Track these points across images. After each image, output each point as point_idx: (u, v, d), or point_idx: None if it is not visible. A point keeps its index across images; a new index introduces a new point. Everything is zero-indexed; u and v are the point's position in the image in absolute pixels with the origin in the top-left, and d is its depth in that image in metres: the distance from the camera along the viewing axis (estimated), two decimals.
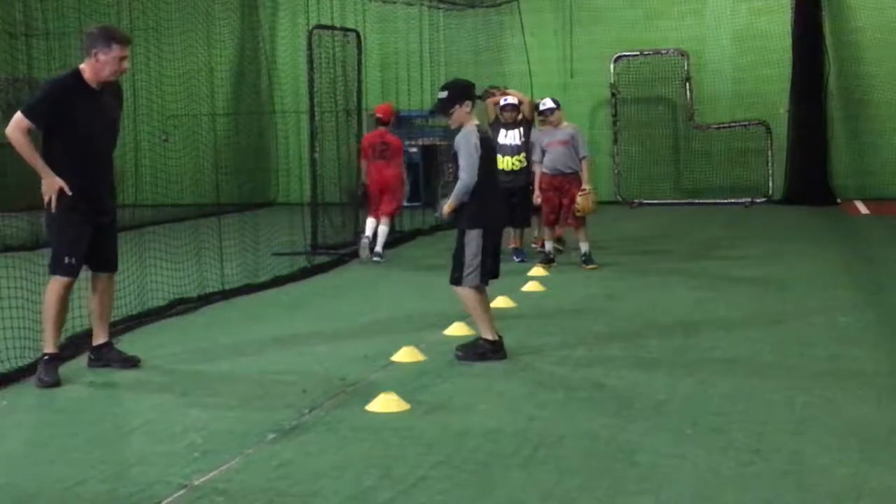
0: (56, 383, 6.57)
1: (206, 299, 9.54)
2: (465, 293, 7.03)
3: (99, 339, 7.09)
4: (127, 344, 7.83)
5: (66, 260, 6.62)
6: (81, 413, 6.05)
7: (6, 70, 16.33)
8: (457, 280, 7.01)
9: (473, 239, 6.95)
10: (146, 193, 18.40)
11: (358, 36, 14.37)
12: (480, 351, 7.02)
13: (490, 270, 7.12)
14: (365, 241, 12.18)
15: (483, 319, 7.05)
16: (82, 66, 6.70)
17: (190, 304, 9.32)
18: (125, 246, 10.73)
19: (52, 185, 6.56)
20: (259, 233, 13.09)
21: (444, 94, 7.12)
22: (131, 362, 7.06)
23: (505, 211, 7.28)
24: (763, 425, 5.46)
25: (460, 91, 7.12)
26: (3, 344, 7.08)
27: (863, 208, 16.94)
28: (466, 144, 6.96)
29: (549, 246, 11.48)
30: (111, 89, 6.89)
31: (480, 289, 7.07)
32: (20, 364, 6.91)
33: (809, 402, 5.87)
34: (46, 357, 6.68)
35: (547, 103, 11.44)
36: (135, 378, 6.81)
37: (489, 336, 7.03)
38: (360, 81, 14.31)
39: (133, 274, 9.68)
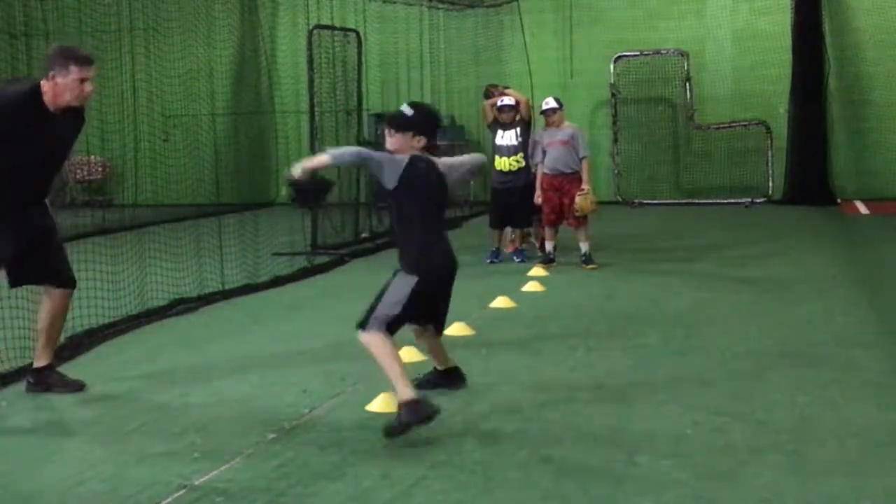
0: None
1: (206, 299, 9.54)
2: (372, 341, 5.52)
3: (42, 360, 6.42)
4: (127, 344, 7.86)
5: None
6: (80, 413, 6.04)
7: (6, 70, 16.31)
8: (362, 323, 5.57)
9: (404, 283, 5.63)
10: (146, 193, 18.45)
11: (358, 36, 14.38)
12: (397, 423, 5.31)
13: (433, 316, 5.94)
14: None
15: (396, 374, 5.42)
16: (44, 82, 6.00)
17: (190, 304, 9.32)
18: (125, 246, 10.81)
19: None
20: (259, 233, 13.09)
21: (409, 112, 5.76)
22: (75, 387, 6.42)
23: (448, 258, 5.85)
24: (763, 425, 5.46)
25: (427, 123, 5.82)
26: (3, 344, 7.07)
27: (863, 208, 16.92)
28: (380, 161, 5.65)
29: (549, 246, 11.48)
30: (72, 114, 6.16)
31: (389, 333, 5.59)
32: (20, 364, 6.87)
33: (809, 402, 5.87)
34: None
35: (549, 103, 11.42)
36: (134, 377, 6.81)
37: (406, 395, 5.35)
38: (360, 81, 14.32)
39: (133, 274, 9.69)
